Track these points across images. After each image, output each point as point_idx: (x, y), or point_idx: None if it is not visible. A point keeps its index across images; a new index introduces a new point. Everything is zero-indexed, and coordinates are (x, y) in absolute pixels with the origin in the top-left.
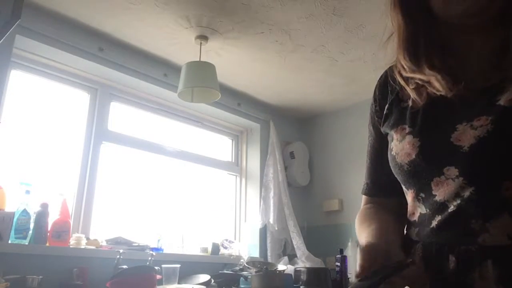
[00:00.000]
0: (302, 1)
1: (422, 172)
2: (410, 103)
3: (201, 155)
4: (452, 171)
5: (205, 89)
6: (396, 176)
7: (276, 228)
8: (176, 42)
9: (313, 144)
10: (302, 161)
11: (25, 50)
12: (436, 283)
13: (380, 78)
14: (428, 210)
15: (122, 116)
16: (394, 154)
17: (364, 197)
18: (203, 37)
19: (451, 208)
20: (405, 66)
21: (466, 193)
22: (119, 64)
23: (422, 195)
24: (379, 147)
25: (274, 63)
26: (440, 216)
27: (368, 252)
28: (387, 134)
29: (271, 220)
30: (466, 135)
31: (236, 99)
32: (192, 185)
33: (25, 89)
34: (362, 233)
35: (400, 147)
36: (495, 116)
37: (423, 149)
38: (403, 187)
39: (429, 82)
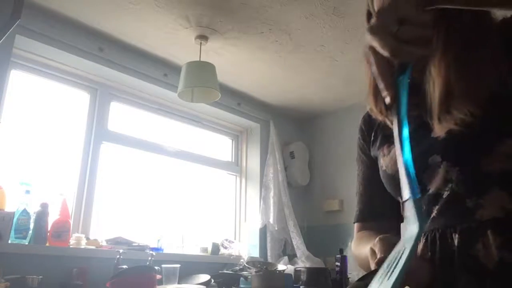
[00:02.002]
0: (302, 1)
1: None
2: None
3: (201, 155)
4: (435, 158)
5: (205, 89)
6: (391, 191)
7: (276, 228)
8: (176, 42)
9: (313, 144)
10: (302, 161)
11: (25, 50)
12: (444, 262)
13: (363, 117)
14: (424, 207)
15: (122, 116)
16: (385, 168)
17: (356, 226)
18: (203, 37)
19: (445, 194)
20: (369, 110)
21: (454, 175)
22: (119, 64)
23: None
24: (370, 173)
25: (274, 63)
26: (436, 205)
27: (384, 242)
28: (376, 158)
29: (271, 220)
30: (441, 129)
31: (236, 99)
32: (192, 185)
33: (25, 89)
34: (364, 246)
35: (388, 159)
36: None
37: None
38: (401, 200)
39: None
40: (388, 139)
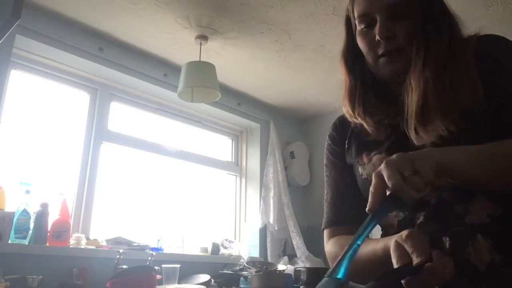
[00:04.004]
0: (302, 1)
1: None
2: (373, 137)
3: (201, 155)
4: None
5: (205, 89)
6: None
7: (276, 228)
8: (176, 42)
9: (313, 144)
10: (302, 161)
11: (25, 50)
12: None
13: (334, 124)
14: (406, 213)
15: (122, 116)
16: (366, 176)
17: (328, 232)
18: (203, 37)
19: (433, 200)
20: (346, 113)
21: (442, 182)
22: (119, 64)
23: None
24: (343, 179)
25: (274, 63)
26: (423, 211)
27: (418, 238)
28: (351, 165)
29: (271, 220)
30: (419, 139)
31: (236, 99)
32: (192, 185)
33: (25, 89)
34: (365, 246)
35: (370, 167)
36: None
37: None
38: None
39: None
40: (366, 147)
